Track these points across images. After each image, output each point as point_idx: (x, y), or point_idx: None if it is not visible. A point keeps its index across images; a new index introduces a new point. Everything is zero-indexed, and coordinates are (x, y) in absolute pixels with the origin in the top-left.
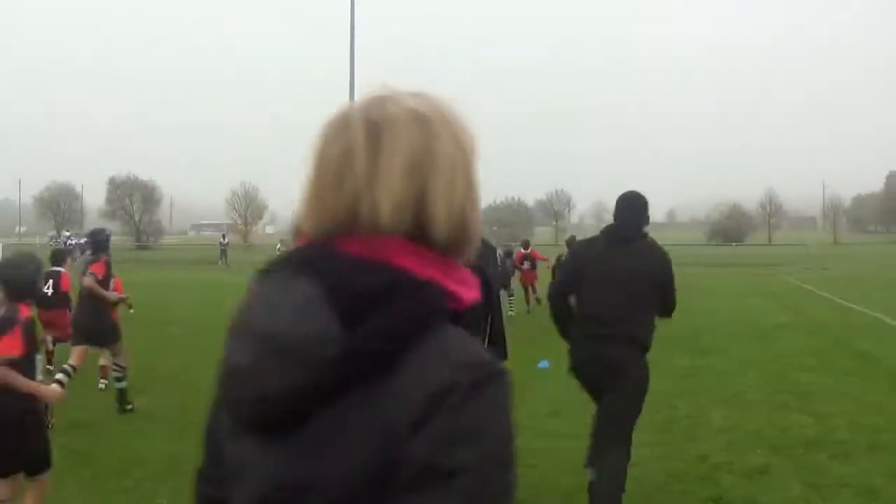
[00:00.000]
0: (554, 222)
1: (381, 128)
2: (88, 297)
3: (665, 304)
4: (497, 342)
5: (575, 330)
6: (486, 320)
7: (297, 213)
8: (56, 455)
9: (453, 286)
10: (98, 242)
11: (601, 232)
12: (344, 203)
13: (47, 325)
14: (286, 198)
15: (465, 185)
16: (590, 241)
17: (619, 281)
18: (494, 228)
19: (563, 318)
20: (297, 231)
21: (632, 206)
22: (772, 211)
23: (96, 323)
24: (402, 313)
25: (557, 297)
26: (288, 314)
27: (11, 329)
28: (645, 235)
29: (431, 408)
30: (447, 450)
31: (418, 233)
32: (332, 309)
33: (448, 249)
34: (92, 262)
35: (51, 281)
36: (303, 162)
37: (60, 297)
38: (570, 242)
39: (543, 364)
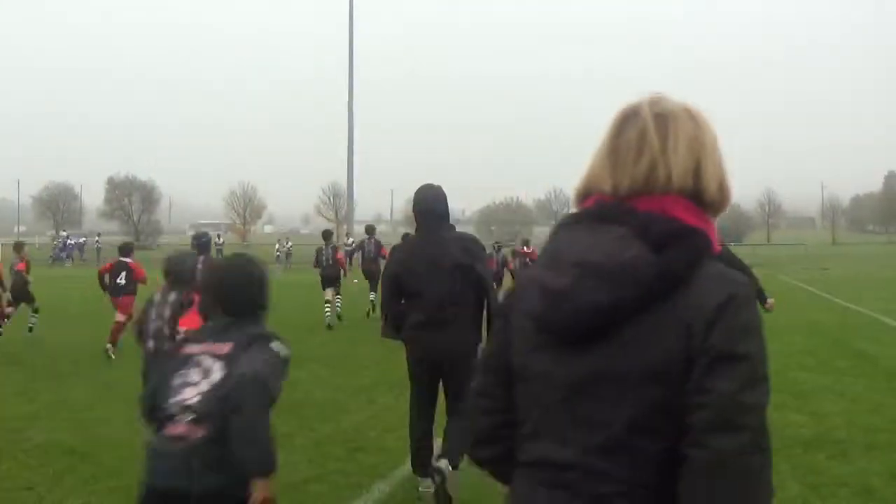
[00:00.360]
0: (553, 222)
1: (667, 118)
2: None
3: None
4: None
5: None
6: (481, 314)
7: (586, 181)
8: (55, 454)
9: (712, 235)
10: (203, 245)
11: None
12: (642, 170)
13: (118, 307)
14: (285, 198)
15: (721, 162)
16: None
17: None
18: (493, 228)
19: None
20: (585, 194)
21: None
22: (770, 211)
23: None
24: (693, 247)
25: None
26: (605, 248)
27: (192, 308)
28: None
29: (721, 312)
30: (734, 341)
31: (693, 195)
32: (643, 243)
33: (710, 208)
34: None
35: (123, 272)
36: (599, 144)
37: (130, 284)
38: None
39: None
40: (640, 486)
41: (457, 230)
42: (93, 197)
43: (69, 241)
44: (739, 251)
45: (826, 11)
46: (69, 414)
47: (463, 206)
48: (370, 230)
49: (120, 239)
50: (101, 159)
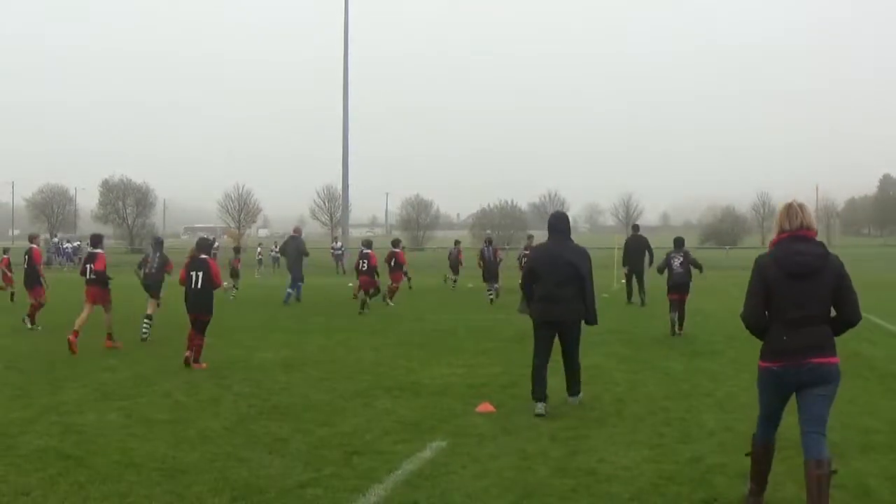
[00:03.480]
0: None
1: (802, 205)
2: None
3: None
4: (589, 312)
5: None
6: (583, 295)
7: (779, 224)
8: (50, 458)
9: None
10: (368, 243)
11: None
12: (798, 222)
13: (364, 284)
14: (280, 201)
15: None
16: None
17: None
18: (488, 232)
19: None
20: (781, 228)
21: None
22: (765, 214)
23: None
24: (826, 249)
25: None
26: (814, 249)
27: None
28: None
29: (840, 269)
30: (847, 279)
31: (813, 231)
32: (820, 247)
33: (816, 234)
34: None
35: (365, 260)
36: (780, 213)
37: (371, 269)
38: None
39: None
40: (824, 319)
41: (573, 240)
42: (87, 200)
43: (64, 245)
44: (734, 254)
45: (819, 12)
46: (64, 419)
47: (458, 210)
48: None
49: (114, 242)
50: (95, 162)
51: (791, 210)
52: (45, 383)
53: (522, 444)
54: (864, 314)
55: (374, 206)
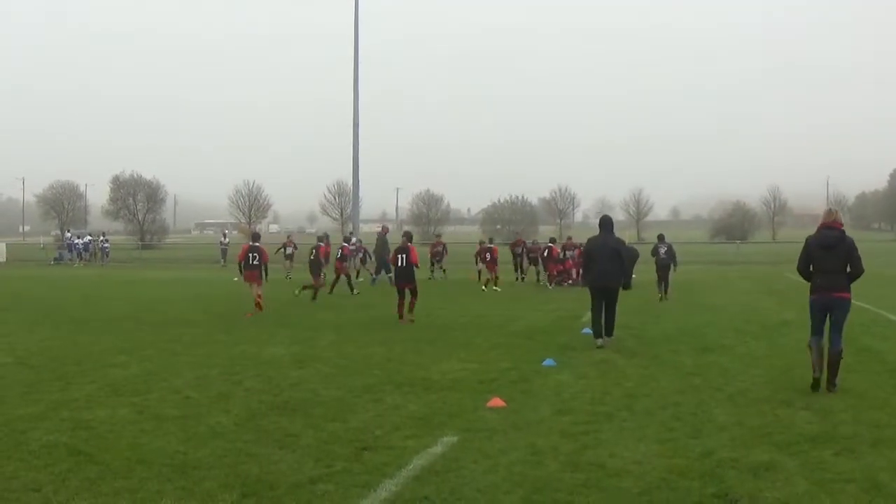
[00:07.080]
0: (558, 220)
1: (837, 210)
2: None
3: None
4: (626, 279)
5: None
6: (623, 269)
7: (825, 220)
8: (61, 454)
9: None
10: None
11: (815, 234)
12: (833, 217)
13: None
14: (290, 197)
15: None
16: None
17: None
18: (498, 227)
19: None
20: (823, 221)
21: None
22: (776, 209)
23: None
24: (844, 233)
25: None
26: (836, 234)
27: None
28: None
29: (851, 245)
30: (855, 251)
31: (839, 223)
32: (840, 233)
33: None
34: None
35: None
36: (824, 213)
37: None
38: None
39: (549, 362)
40: (842, 272)
41: (615, 234)
42: (98, 196)
43: (76, 241)
44: (745, 249)
45: (829, 6)
46: (74, 414)
47: (468, 206)
48: (323, 238)
49: (125, 238)
50: (106, 158)
51: (829, 211)
52: (54, 379)
53: (533, 438)
54: (876, 310)
55: (385, 201)
